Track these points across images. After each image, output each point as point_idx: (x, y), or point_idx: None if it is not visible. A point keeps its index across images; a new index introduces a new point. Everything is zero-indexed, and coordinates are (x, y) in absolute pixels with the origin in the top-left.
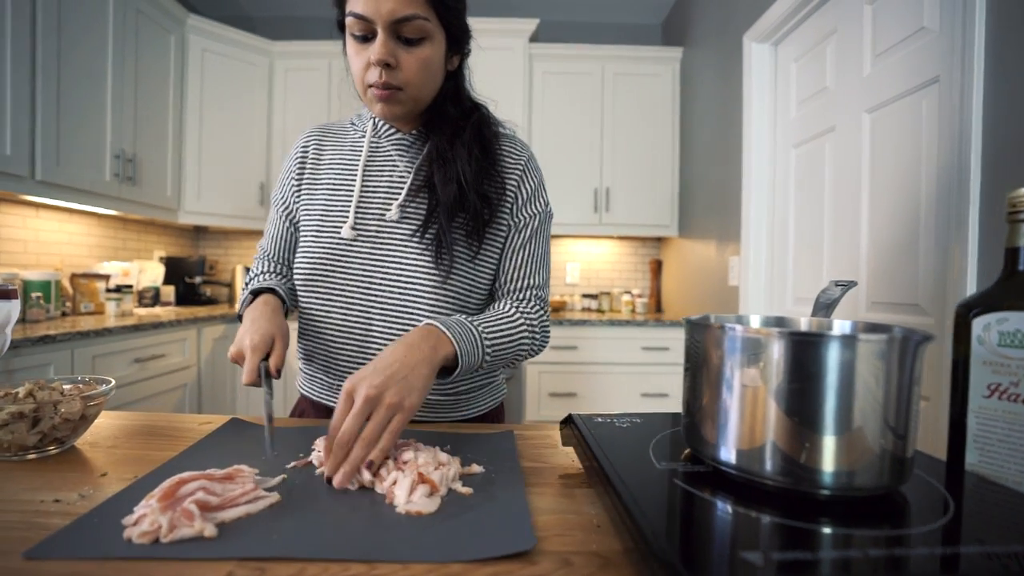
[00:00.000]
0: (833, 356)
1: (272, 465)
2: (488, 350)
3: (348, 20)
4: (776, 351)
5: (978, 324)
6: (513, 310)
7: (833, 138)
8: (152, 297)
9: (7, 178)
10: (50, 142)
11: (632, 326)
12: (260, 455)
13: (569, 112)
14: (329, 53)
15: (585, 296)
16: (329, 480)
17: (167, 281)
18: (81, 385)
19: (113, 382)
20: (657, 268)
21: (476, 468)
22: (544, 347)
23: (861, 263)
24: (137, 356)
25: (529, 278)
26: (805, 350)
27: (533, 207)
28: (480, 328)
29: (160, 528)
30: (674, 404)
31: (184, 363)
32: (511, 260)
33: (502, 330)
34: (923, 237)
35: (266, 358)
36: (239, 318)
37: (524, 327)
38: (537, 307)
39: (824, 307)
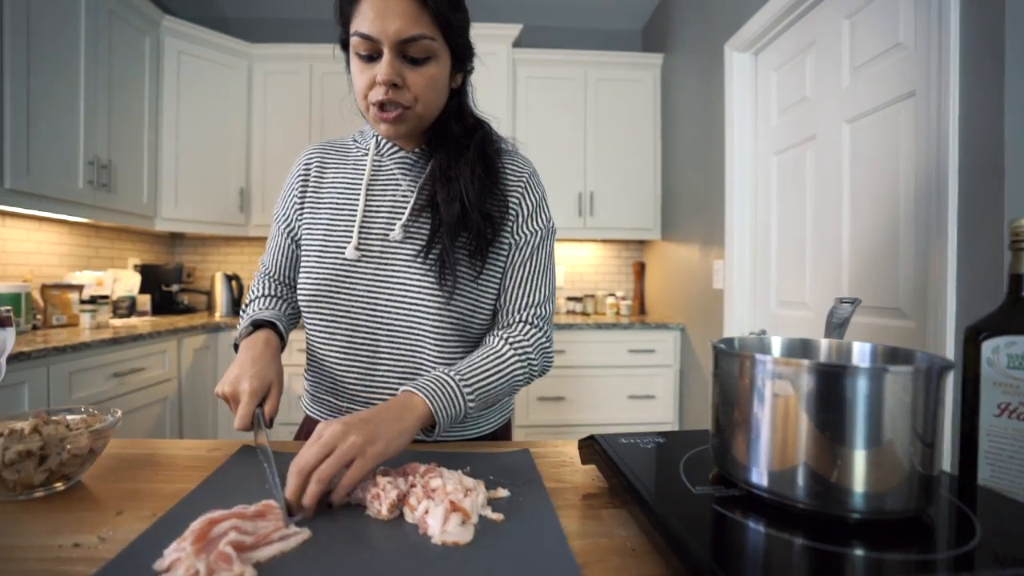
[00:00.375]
0: (862, 387)
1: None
2: (470, 398)
3: (353, 40)
4: (807, 382)
5: (987, 347)
6: (502, 344)
7: (814, 146)
8: (128, 307)
9: None
10: (20, 148)
11: (618, 329)
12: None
13: (553, 117)
14: (310, 56)
15: (570, 299)
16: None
17: (143, 290)
18: (86, 416)
19: (119, 413)
20: (640, 270)
21: (502, 492)
22: (548, 368)
23: (843, 267)
24: (116, 370)
25: (529, 296)
26: (836, 381)
27: (534, 224)
28: (459, 379)
29: (198, 574)
30: (661, 405)
31: (164, 376)
32: (511, 278)
33: (487, 372)
34: (903, 243)
35: (260, 404)
36: (235, 347)
37: (515, 360)
38: (533, 331)
39: (837, 326)
